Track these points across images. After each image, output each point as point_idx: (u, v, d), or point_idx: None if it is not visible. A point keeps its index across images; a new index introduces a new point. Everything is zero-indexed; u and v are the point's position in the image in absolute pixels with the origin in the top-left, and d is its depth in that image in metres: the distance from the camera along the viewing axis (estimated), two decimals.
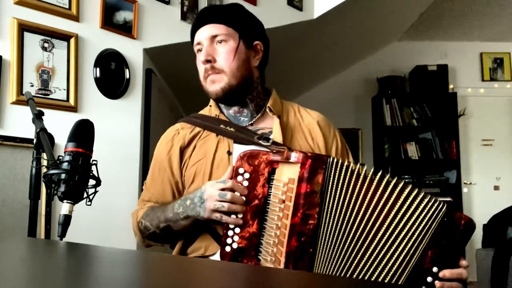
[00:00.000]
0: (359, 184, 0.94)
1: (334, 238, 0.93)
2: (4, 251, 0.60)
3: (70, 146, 0.90)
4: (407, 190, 0.94)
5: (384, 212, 0.94)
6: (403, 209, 0.93)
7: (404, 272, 0.93)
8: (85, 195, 0.91)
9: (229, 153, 1.09)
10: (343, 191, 0.94)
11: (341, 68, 4.66)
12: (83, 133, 0.93)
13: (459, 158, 4.43)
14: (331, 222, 0.93)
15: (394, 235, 0.93)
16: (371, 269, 0.93)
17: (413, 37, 4.65)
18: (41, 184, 1.07)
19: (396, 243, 0.93)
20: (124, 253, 0.63)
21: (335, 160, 0.95)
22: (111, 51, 2.00)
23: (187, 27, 2.32)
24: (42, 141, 1.01)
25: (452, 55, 4.76)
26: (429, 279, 0.93)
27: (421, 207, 0.93)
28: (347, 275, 0.93)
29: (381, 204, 0.94)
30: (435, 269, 0.93)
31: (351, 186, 0.94)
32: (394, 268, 0.93)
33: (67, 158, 0.89)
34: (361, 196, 0.94)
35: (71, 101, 1.85)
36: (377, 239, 0.93)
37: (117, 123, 2.01)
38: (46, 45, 1.80)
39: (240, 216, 0.97)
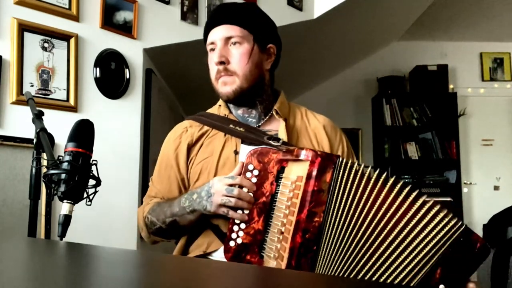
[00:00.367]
0: (367, 186, 0.93)
1: (339, 238, 0.93)
2: (4, 251, 0.60)
3: (70, 146, 0.90)
4: (421, 200, 0.92)
5: (395, 218, 0.92)
6: (415, 219, 0.91)
7: (410, 283, 0.91)
8: (85, 195, 0.91)
9: (236, 152, 1.10)
10: (351, 191, 0.93)
11: (341, 68, 4.66)
12: (83, 133, 0.94)
13: (459, 158, 4.43)
14: (336, 222, 0.93)
15: (404, 244, 0.91)
16: (375, 274, 0.92)
17: (413, 37, 4.64)
18: (41, 184, 1.07)
19: (406, 253, 0.91)
20: (124, 253, 0.63)
21: (344, 161, 0.95)
22: (111, 51, 2.00)
23: (187, 27, 2.32)
24: (42, 141, 1.01)
25: (452, 55, 4.76)
26: None
27: (436, 220, 0.91)
28: (349, 276, 0.93)
29: (392, 210, 0.92)
30: (441, 287, 0.91)
31: (360, 188, 0.93)
32: (401, 277, 0.91)
33: (67, 158, 0.89)
34: (369, 199, 0.93)
35: (71, 101, 1.85)
36: (385, 244, 0.92)
37: (117, 123, 2.01)
38: (46, 45, 1.80)
39: (246, 212, 0.97)
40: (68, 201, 0.88)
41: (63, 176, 0.87)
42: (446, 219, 0.92)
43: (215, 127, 1.15)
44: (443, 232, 0.91)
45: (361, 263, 0.93)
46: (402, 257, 0.91)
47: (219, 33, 1.12)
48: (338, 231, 0.93)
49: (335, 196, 0.93)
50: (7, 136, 1.66)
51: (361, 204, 0.93)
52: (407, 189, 0.93)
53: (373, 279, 0.92)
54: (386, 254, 0.92)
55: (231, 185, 0.98)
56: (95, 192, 0.92)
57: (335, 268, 0.93)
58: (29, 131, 1.66)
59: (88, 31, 1.94)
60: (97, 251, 0.63)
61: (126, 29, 2.07)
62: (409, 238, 0.91)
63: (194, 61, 2.55)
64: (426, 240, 0.91)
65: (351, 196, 0.93)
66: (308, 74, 4.33)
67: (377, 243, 0.92)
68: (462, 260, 0.92)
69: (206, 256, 1.07)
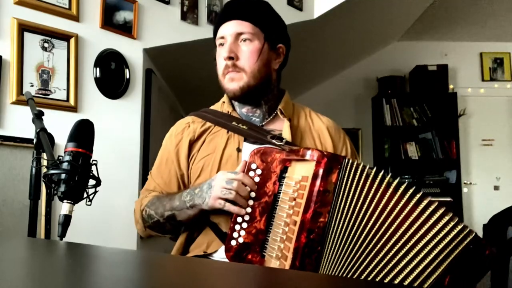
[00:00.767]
0: (372, 187, 0.92)
1: (344, 239, 0.92)
2: (4, 251, 0.60)
3: (70, 146, 0.90)
4: (425, 202, 0.91)
5: (400, 220, 0.91)
6: (420, 222, 0.90)
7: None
8: (85, 195, 0.91)
9: (239, 150, 1.09)
10: (356, 192, 0.92)
11: (341, 68, 4.66)
12: (83, 133, 0.94)
13: (459, 158, 4.43)
14: (341, 222, 0.92)
15: (408, 246, 0.90)
16: (379, 275, 0.91)
17: (413, 37, 4.65)
18: (41, 184, 1.07)
19: (411, 256, 0.90)
20: (124, 253, 0.63)
21: (350, 161, 0.94)
22: (111, 51, 2.00)
23: (187, 27, 2.32)
24: (42, 141, 1.01)
25: (452, 55, 4.76)
26: None
27: (447, 228, 0.90)
28: (353, 277, 0.92)
29: (397, 211, 0.91)
30: None
31: (365, 189, 0.92)
32: (408, 281, 0.90)
33: (67, 158, 0.89)
34: (374, 200, 0.92)
35: (71, 101, 1.85)
36: (388, 246, 0.91)
37: (117, 123, 2.01)
38: (46, 45, 1.80)
39: (246, 208, 0.97)
40: (68, 201, 0.88)
41: (63, 176, 0.87)
42: (452, 223, 0.90)
43: (218, 124, 1.14)
44: (449, 237, 0.90)
45: (365, 264, 0.92)
46: (407, 259, 0.90)
47: (230, 28, 1.11)
48: (343, 232, 0.92)
49: (340, 197, 0.92)
50: (7, 136, 1.66)
51: (366, 205, 0.92)
52: (411, 191, 0.92)
53: (377, 280, 0.92)
54: (389, 256, 0.91)
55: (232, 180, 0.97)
56: (95, 192, 0.92)
57: (339, 268, 0.92)
58: (29, 131, 1.66)
59: (88, 31, 1.94)
60: (97, 251, 0.63)
61: (126, 29, 2.07)
62: (413, 240, 0.90)
63: (194, 61, 2.55)
64: (432, 244, 0.90)
65: (356, 197, 0.92)
66: (308, 74, 4.33)
67: (381, 244, 0.91)
68: (471, 268, 0.91)
69: (206, 257, 1.07)
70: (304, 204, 0.93)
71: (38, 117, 1.10)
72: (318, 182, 0.93)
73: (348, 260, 0.92)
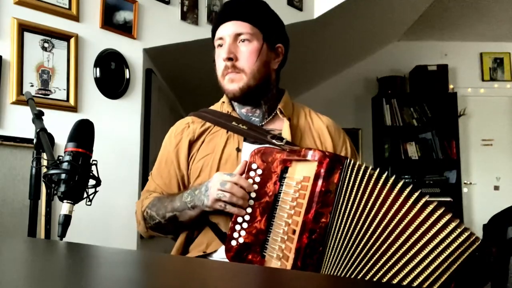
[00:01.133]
0: (375, 188, 0.92)
1: (346, 239, 0.92)
2: (4, 251, 0.60)
3: (70, 146, 0.90)
4: (439, 212, 0.90)
5: (404, 222, 0.91)
6: (425, 225, 0.90)
7: None
8: (85, 195, 0.91)
9: (238, 150, 1.09)
10: (358, 193, 0.92)
11: (341, 68, 4.66)
12: (83, 133, 0.93)
13: (459, 158, 4.43)
14: (343, 223, 0.92)
15: (420, 255, 0.90)
16: (384, 277, 0.91)
17: (413, 37, 4.65)
18: (41, 184, 1.07)
19: (421, 265, 0.90)
20: (124, 253, 0.63)
21: (352, 162, 0.94)
22: (111, 51, 2.00)
23: (187, 27, 2.32)
24: (42, 141, 1.01)
25: (452, 55, 4.76)
26: None
27: (454, 235, 0.90)
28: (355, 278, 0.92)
29: (401, 213, 0.91)
30: None
31: (368, 189, 0.92)
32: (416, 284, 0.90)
33: (67, 158, 0.89)
34: (377, 201, 0.92)
35: (71, 101, 1.85)
36: (393, 249, 0.90)
37: (117, 123, 2.01)
38: (46, 45, 1.80)
39: (243, 210, 0.97)
40: (68, 201, 0.88)
41: (63, 176, 0.87)
42: (459, 230, 0.90)
43: (218, 124, 1.14)
44: (456, 243, 0.90)
45: (368, 266, 0.91)
46: (412, 264, 0.90)
47: (228, 29, 1.11)
48: (345, 232, 0.92)
49: (342, 197, 0.92)
50: (7, 136, 1.66)
51: (369, 206, 0.92)
52: (409, 189, 0.92)
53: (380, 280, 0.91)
54: (394, 259, 0.90)
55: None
56: (95, 192, 0.92)
57: (341, 269, 0.92)
58: (29, 131, 1.66)
59: (88, 31, 1.94)
60: (97, 251, 0.63)
61: (126, 29, 2.07)
62: (419, 246, 0.90)
63: (194, 61, 2.55)
64: (438, 250, 0.89)
65: (358, 198, 0.92)
66: (308, 74, 4.33)
67: (384, 246, 0.91)
68: (476, 274, 0.91)
69: (206, 257, 1.07)
70: (306, 205, 0.92)
71: (38, 117, 1.10)
72: (319, 182, 0.92)
73: (351, 261, 0.92)
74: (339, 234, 0.92)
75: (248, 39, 1.10)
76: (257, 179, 0.98)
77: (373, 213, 0.92)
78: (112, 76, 2.00)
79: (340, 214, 0.92)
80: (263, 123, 1.17)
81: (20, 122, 1.68)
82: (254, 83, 1.10)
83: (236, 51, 1.10)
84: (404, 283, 0.90)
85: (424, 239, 0.90)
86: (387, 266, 0.91)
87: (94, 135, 0.95)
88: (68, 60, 1.86)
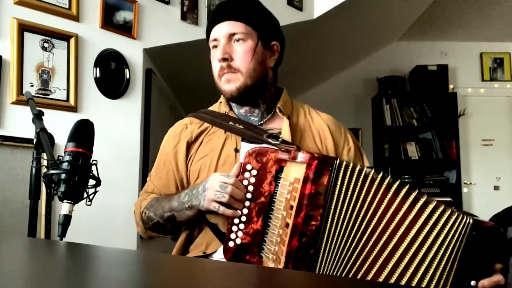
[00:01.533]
0: (370, 188, 0.92)
1: (338, 242, 0.91)
2: (4, 251, 0.60)
3: (70, 146, 0.90)
4: (431, 206, 0.91)
5: (397, 220, 0.90)
6: (428, 226, 0.90)
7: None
8: (85, 195, 0.91)
9: (236, 150, 1.09)
10: (349, 193, 0.92)
11: (341, 68, 4.66)
12: (83, 133, 0.93)
13: (459, 158, 4.43)
14: (335, 224, 0.91)
15: (421, 251, 0.90)
16: (378, 278, 0.91)
17: (413, 37, 4.64)
18: (41, 184, 1.07)
19: (419, 259, 0.90)
20: (124, 253, 0.63)
21: (343, 163, 0.93)
22: (111, 51, 2.00)
23: (187, 27, 2.32)
24: (42, 141, 1.01)
25: (452, 55, 4.76)
26: None
27: (449, 225, 0.90)
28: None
29: (393, 211, 0.91)
30: (473, 283, 0.91)
31: (363, 190, 0.92)
32: (424, 283, 0.90)
33: (67, 158, 0.89)
34: (373, 201, 0.91)
35: (71, 101, 1.85)
36: (398, 253, 0.90)
37: (117, 123, 2.01)
38: (46, 45, 1.80)
39: (238, 211, 0.97)
40: (68, 201, 0.88)
41: (63, 176, 0.87)
42: (458, 221, 0.90)
43: (215, 124, 1.14)
44: (457, 235, 0.90)
45: (364, 267, 0.91)
46: (415, 262, 0.90)
47: (222, 30, 1.11)
48: (337, 234, 0.91)
49: (334, 199, 0.92)
50: (7, 136, 1.66)
51: (361, 206, 0.92)
52: (405, 189, 0.92)
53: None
54: (394, 260, 0.90)
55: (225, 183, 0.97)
56: (95, 192, 0.92)
57: (336, 270, 0.92)
58: (29, 131, 1.66)
59: (88, 31, 1.94)
60: (97, 251, 0.63)
61: (126, 29, 2.07)
62: (418, 242, 0.90)
63: (194, 61, 2.55)
64: (443, 247, 0.90)
65: (347, 198, 0.92)
66: (308, 74, 4.33)
67: (379, 246, 0.91)
68: (481, 251, 0.91)
69: (205, 257, 1.07)
70: (296, 207, 0.92)
71: (38, 117, 1.10)
72: (308, 185, 0.92)
73: (345, 263, 0.92)
74: (332, 235, 0.92)
75: (243, 38, 1.10)
76: (252, 180, 0.98)
77: (364, 212, 0.92)
78: (112, 76, 2.00)
79: (332, 216, 0.92)
80: (262, 122, 1.16)
81: (20, 122, 1.68)
82: (251, 82, 1.10)
83: (231, 51, 1.10)
84: (402, 282, 0.90)
85: (422, 235, 0.90)
86: (388, 265, 0.91)
87: (94, 135, 0.95)
88: (68, 60, 1.86)
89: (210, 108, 1.22)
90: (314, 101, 4.01)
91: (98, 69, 1.95)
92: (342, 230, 0.92)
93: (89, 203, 0.92)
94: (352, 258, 0.92)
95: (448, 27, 4.47)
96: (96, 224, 1.85)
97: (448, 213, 0.91)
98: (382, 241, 0.91)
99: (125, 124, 2.05)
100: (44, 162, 0.97)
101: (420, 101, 4.49)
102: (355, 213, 0.92)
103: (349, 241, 0.92)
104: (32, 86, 1.75)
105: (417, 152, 4.47)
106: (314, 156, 0.94)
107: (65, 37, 1.85)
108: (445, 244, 0.90)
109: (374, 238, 0.91)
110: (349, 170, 0.93)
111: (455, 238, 0.90)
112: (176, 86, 3.09)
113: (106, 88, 1.98)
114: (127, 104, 2.07)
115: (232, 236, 0.97)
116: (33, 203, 1.08)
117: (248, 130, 1.11)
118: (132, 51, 2.10)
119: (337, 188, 0.92)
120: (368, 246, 0.91)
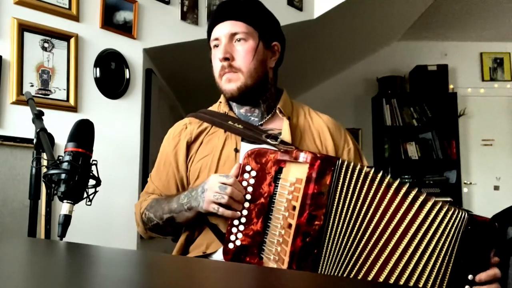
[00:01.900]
0: (370, 187, 0.92)
1: (341, 241, 0.91)
2: (4, 251, 0.60)
3: (70, 146, 0.90)
4: (429, 203, 0.91)
5: (397, 219, 0.91)
6: (426, 223, 0.91)
7: (442, 284, 0.91)
8: (85, 195, 0.91)
9: (236, 150, 1.09)
10: (350, 192, 0.92)
11: (341, 68, 4.66)
12: (83, 133, 0.93)
13: (459, 158, 4.43)
14: (338, 224, 0.91)
15: (420, 248, 0.90)
16: (388, 278, 0.91)
17: (413, 37, 4.64)
18: (41, 184, 1.07)
19: (418, 256, 0.90)
20: (124, 253, 0.63)
21: (345, 163, 0.93)
22: (111, 51, 2.00)
23: (187, 27, 2.32)
24: (42, 141, 1.01)
25: (452, 55, 4.76)
26: (467, 287, 0.92)
27: (445, 220, 0.91)
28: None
29: (394, 210, 0.91)
30: (470, 277, 0.92)
31: (363, 189, 0.92)
32: (423, 279, 0.91)
33: (67, 158, 0.89)
34: (374, 200, 0.92)
35: (71, 101, 1.85)
36: (398, 251, 0.90)
37: (117, 123, 2.01)
38: (46, 45, 1.80)
39: (238, 212, 0.97)
40: (68, 201, 0.88)
41: (63, 176, 0.87)
42: (454, 216, 0.91)
43: (214, 124, 1.14)
44: (453, 230, 0.91)
45: (366, 266, 0.91)
46: (415, 260, 0.90)
47: (224, 29, 1.11)
48: (340, 233, 0.92)
49: (336, 199, 0.92)
50: (7, 136, 1.66)
51: (362, 205, 0.92)
52: (404, 187, 0.93)
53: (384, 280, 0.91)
54: (395, 257, 0.91)
55: (224, 184, 0.97)
56: (95, 192, 0.92)
57: (339, 270, 0.92)
58: (29, 131, 1.66)
59: (88, 31, 1.94)
60: (97, 251, 0.63)
61: (126, 29, 2.07)
62: (417, 239, 0.90)
63: (194, 61, 2.55)
64: (441, 243, 0.91)
65: (349, 198, 0.92)
66: (308, 74, 4.33)
67: (380, 245, 0.91)
68: (477, 244, 0.92)
69: (206, 257, 1.07)
70: (299, 207, 0.92)
71: (38, 117, 1.10)
72: (311, 185, 0.92)
73: (346, 262, 0.92)
74: (335, 235, 0.92)
75: (244, 38, 1.10)
76: (252, 181, 0.98)
77: (366, 211, 0.92)
78: (112, 76, 2.00)
79: (335, 215, 0.92)
80: (262, 123, 1.16)
81: (20, 122, 1.68)
82: (252, 82, 1.10)
83: (232, 50, 1.10)
84: (403, 279, 0.90)
85: (420, 233, 0.91)
86: (388, 264, 0.91)
87: (94, 135, 0.95)
88: (68, 60, 1.86)
89: (210, 108, 1.22)
90: (314, 101, 4.03)
91: (98, 69, 1.95)
92: (344, 230, 0.92)
93: (89, 203, 0.92)
94: (354, 257, 0.92)
95: (448, 27, 4.47)
96: (96, 224, 1.85)
97: (445, 209, 0.92)
98: (383, 239, 0.91)
99: (125, 124, 2.05)
100: (44, 162, 0.96)
101: (420, 101, 4.49)
102: (356, 212, 0.92)
103: (351, 240, 0.92)
104: (32, 86, 1.75)
105: (417, 152, 4.47)
106: (316, 156, 0.94)
107: (65, 37, 1.85)
108: (442, 240, 0.91)
109: (375, 236, 0.92)
110: (350, 169, 0.93)
111: (452, 233, 0.91)
112: (176, 86, 3.09)
113: (106, 88, 1.98)
114: (127, 104, 2.07)
115: (232, 237, 0.97)
116: (33, 203, 1.08)
117: (247, 130, 1.11)
118: (132, 51, 2.10)
119: (339, 187, 0.92)
120: (370, 245, 0.92)
